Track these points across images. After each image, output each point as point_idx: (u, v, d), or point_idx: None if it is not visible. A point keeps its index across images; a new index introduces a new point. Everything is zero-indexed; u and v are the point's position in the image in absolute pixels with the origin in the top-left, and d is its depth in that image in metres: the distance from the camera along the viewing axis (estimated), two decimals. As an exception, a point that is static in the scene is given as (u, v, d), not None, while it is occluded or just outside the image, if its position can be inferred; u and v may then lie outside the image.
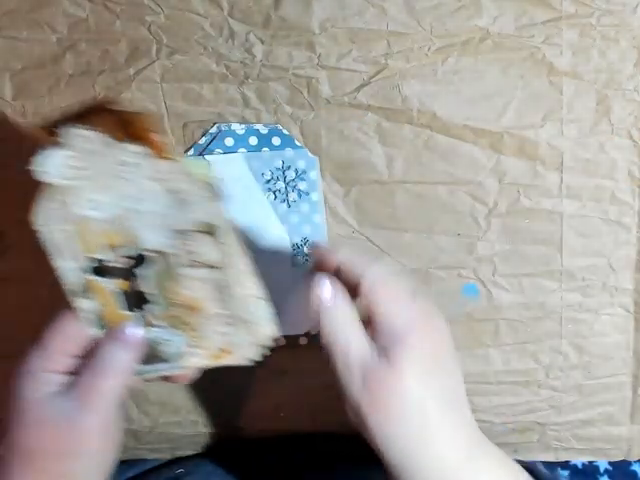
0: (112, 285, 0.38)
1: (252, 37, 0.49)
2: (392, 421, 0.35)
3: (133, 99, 0.50)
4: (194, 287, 0.38)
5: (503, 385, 0.55)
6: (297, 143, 0.51)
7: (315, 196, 0.52)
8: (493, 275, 0.53)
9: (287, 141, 0.51)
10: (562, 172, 0.51)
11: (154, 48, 0.50)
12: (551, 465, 0.48)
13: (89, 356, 0.38)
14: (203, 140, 0.51)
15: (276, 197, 0.52)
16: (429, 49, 0.49)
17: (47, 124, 0.35)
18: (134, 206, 0.37)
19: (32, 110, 0.50)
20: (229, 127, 0.51)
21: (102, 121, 0.35)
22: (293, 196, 0.52)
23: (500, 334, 0.54)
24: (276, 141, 0.51)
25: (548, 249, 0.52)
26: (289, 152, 0.51)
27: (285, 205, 0.52)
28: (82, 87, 0.50)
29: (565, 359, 0.54)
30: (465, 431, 0.37)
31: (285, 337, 0.53)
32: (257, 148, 0.51)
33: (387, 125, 0.50)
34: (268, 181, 0.52)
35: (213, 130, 0.51)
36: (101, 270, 0.38)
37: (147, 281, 0.38)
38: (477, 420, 0.55)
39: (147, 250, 0.37)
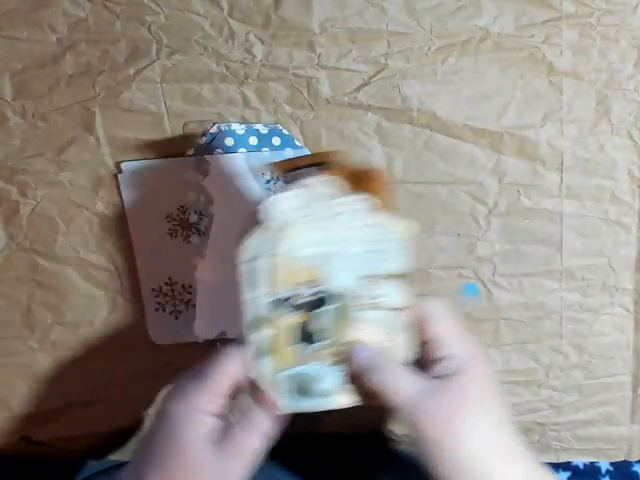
0: (289, 319, 0.40)
1: (252, 37, 0.49)
2: (461, 443, 0.38)
3: (133, 99, 0.50)
4: (366, 328, 0.41)
5: (503, 385, 0.55)
6: (297, 143, 0.51)
7: None
8: (493, 275, 0.53)
9: (287, 141, 0.51)
10: (562, 172, 0.51)
11: (154, 48, 0.50)
12: (553, 466, 0.48)
13: (239, 407, 0.40)
14: (203, 140, 0.51)
15: None
16: (429, 49, 0.49)
17: (289, 162, 0.41)
18: (335, 249, 0.40)
19: (32, 110, 0.51)
20: (229, 127, 0.51)
21: (335, 171, 0.40)
22: None
23: (500, 334, 0.54)
24: (276, 141, 0.51)
25: (548, 249, 0.52)
26: (289, 152, 0.51)
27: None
28: (82, 87, 0.50)
29: (565, 359, 0.54)
30: (523, 455, 0.40)
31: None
32: (257, 148, 0.51)
33: (387, 125, 0.51)
34: (268, 181, 0.52)
35: (213, 130, 0.51)
36: (284, 304, 0.40)
37: (322, 318, 0.40)
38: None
39: (334, 290, 0.40)
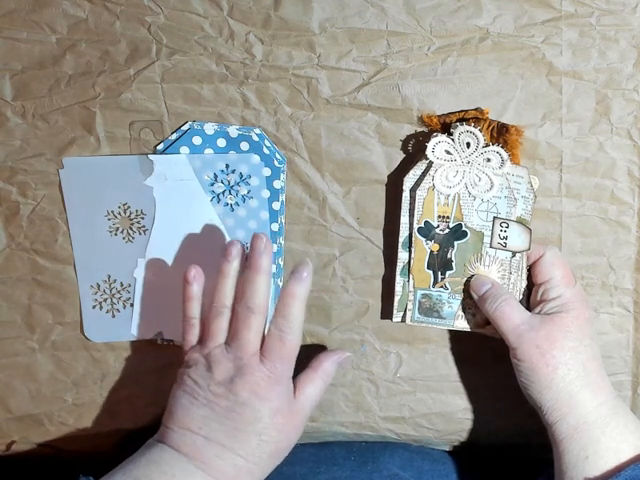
0: (428, 246, 0.49)
1: (252, 37, 0.49)
2: (558, 369, 0.45)
3: (133, 99, 0.50)
4: (490, 265, 0.49)
5: (504, 385, 0.55)
6: (265, 151, 0.51)
7: (276, 205, 0.52)
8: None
9: (255, 148, 0.51)
10: (561, 171, 0.51)
11: (154, 48, 0.50)
12: (553, 464, 0.48)
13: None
14: (174, 136, 0.51)
15: (220, 200, 0.52)
16: (429, 49, 0.49)
17: (441, 116, 0.49)
18: (472, 191, 0.48)
19: (32, 110, 0.51)
20: (201, 126, 0.51)
21: (479, 123, 0.48)
22: (237, 199, 0.52)
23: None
24: (244, 146, 0.51)
25: (548, 248, 0.52)
26: (232, 155, 0.51)
27: (228, 209, 0.52)
28: (82, 87, 0.50)
29: (565, 358, 0.54)
30: (608, 389, 0.47)
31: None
32: (224, 150, 0.51)
33: (387, 125, 0.51)
34: (212, 183, 0.52)
35: (185, 127, 0.51)
36: (426, 232, 0.49)
37: (454, 250, 0.49)
38: (477, 421, 0.56)
39: (467, 227, 0.49)
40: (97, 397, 0.56)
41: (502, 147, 0.47)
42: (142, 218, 0.52)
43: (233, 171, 0.51)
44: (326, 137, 0.51)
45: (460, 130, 0.47)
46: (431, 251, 0.49)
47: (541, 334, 0.46)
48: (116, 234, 0.53)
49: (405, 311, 0.51)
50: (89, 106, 0.51)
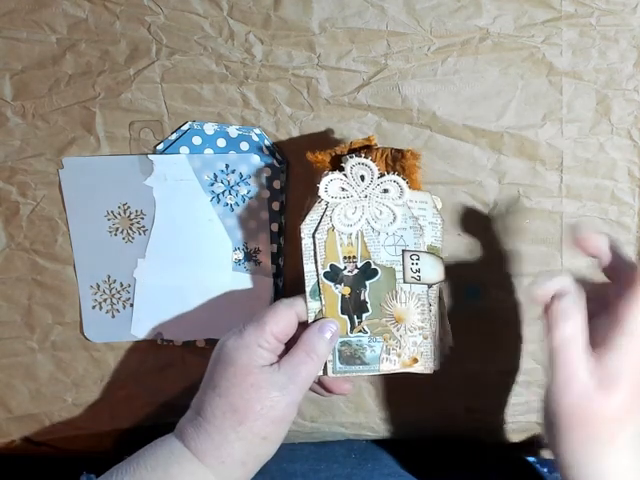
0: (338, 290, 0.45)
1: (252, 37, 0.49)
2: (611, 453, 0.37)
3: (133, 99, 0.50)
4: (407, 301, 0.45)
5: (503, 385, 0.55)
6: (265, 151, 0.51)
7: (276, 205, 0.52)
8: (493, 275, 0.53)
9: (255, 148, 0.51)
10: (562, 172, 0.51)
11: (154, 48, 0.50)
12: (553, 464, 0.48)
13: (296, 340, 0.44)
14: (174, 136, 0.51)
15: (220, 200, 0.52)
16: (429, 49, 0.49)
17: (329, 151, 0.45)
18: (375, 226, 0.45)
19: (32, 110, 0.51)
20: (201, 126, 0.51)
21: (372, 153, 0.44)
22: (237, 199, 0.52)
23: (500, 334, 0.54)
24: (244, 146, 0.51)
25: (548, 249, 0.52)
26: (232, 156, 0.51)
27: (228, 209, 0.52)
28: (82, 87, 0.50)
29: (565, 359, 0.54)
30: None
31: (206, 340, 0.54)
32: (224, 150, 0.51)
33: (387, 125, 0.50)
34: (212, 183, 0.52)
35: (185, 127, 0.51)
36: (334, 276, 0.45)
37: (367, 290, 0.45)
38: (478, 420, 0.56)
39: (377, 264, 0.45)
40: (97, 397, 0.56)
41: (399, 174, 0.44)
42: (142, 218, 0.52)
43: (233, 171, 0.51)
44: (326, 137, 0.51)
45: (351, 163, 0.43)
46: (342, 295, 0.45)
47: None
48: (116, 234, 0.53)
49: (325, 363, 0.46)
50: (89, 106, 0.51)
